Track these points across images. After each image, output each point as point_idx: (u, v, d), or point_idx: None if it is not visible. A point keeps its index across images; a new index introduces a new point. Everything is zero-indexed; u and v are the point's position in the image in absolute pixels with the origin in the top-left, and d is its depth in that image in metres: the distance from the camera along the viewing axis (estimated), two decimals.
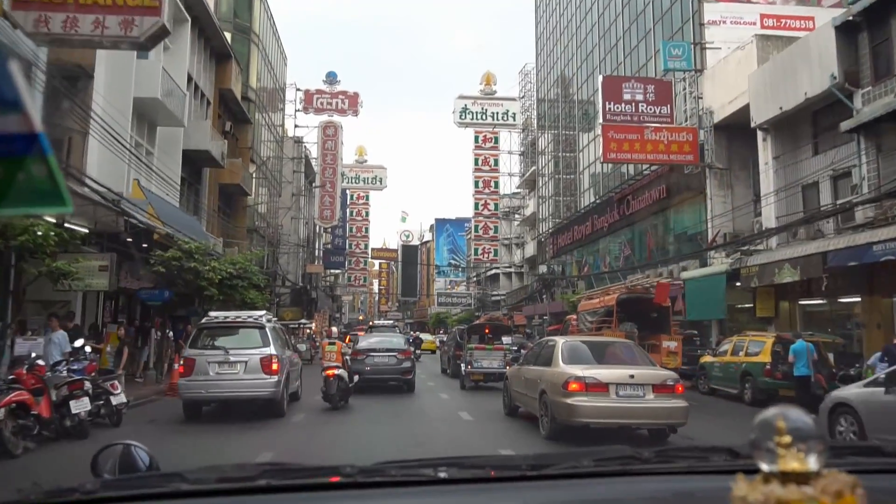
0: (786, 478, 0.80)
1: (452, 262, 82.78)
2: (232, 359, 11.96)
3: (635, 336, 15.50)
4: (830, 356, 15.65)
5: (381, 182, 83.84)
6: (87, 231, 13.90)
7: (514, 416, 12.70)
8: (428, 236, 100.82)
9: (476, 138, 64.99)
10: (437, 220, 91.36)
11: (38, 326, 13.16)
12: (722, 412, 14.57)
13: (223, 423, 11.79)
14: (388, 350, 17.93)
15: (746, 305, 21.86)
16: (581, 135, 43.19)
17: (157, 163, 20.55)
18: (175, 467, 1.67)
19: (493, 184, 64.98)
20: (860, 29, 17.53)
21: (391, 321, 47.52)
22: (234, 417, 12.07)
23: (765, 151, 21.47)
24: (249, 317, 13.13)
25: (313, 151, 55.25)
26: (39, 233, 10.42)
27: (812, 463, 0.81)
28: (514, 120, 62.36)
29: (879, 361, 12.57)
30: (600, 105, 26.76)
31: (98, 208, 13.38)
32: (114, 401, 10.72)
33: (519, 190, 61.91)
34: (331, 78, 59.53)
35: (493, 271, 67.76)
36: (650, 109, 26.19)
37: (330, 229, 63.13)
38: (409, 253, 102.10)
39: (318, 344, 30.56)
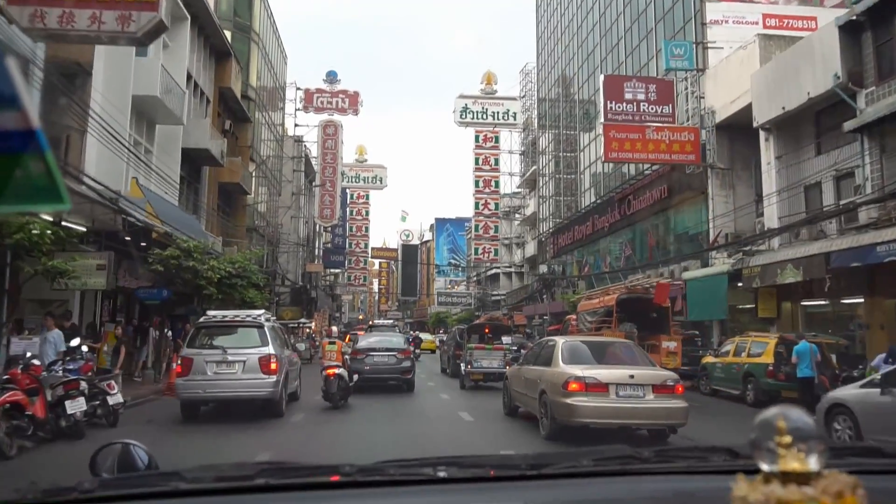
0: (786, 478, 0.80)
1: (452, 261, 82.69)
2: (230, 358, 11.86)
3: (635, 336, 15.47)
4: (833, 357, 15.56)
5: (381, 181, 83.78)
6: (84, 230, 13.78)
7: (514, 416, 12.67)
8: (428, 236, 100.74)
9: (476, 138, 64.91)
10: (437, 219, 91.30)
11: (35, 326, 13.06)
12: (724, 413, 14.48)
13: (221, 424, 11.69)
14: (387, 349, 17.91)
15: (748, 306, 21.76)
16: (582, 134, 43.09)
17: (156, 161, 20.42)
18: (173, 468, 1.65)
19: (493, 183, 64.90)
20: (864, 28, 17.42)
21: (391, 321, 47.47)
22: (233, 418, 11.97)
23: (767, 151, 21.36)
24: (248, 316, 13.02)
25: (313, 150, 55.18)
26: (35, 231, 10.30)
27: (813, 463, 0.81)
28: (515, 119, 62.28)
29: (883, 363, 12.46)
30: (601, 104, 26.65)
31: (95, 206, 13.26)
32: (110, 401, 10.61)
33: (519, 189, 61.81)
34: (331, 77, 59.45)
35: (494, 271, 67.67)
36: (652, 109, 26.07)
37: (330, 228, 63.01)
38: (409, 252, 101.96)
39: (317, 343, 30.48)
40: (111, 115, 14.60)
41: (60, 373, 9.98)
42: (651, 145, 24.86)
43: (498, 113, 62.64)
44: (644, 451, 1.72)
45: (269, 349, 12.09)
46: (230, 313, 13.45)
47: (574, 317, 21.27)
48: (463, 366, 19.53)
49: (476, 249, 66.34)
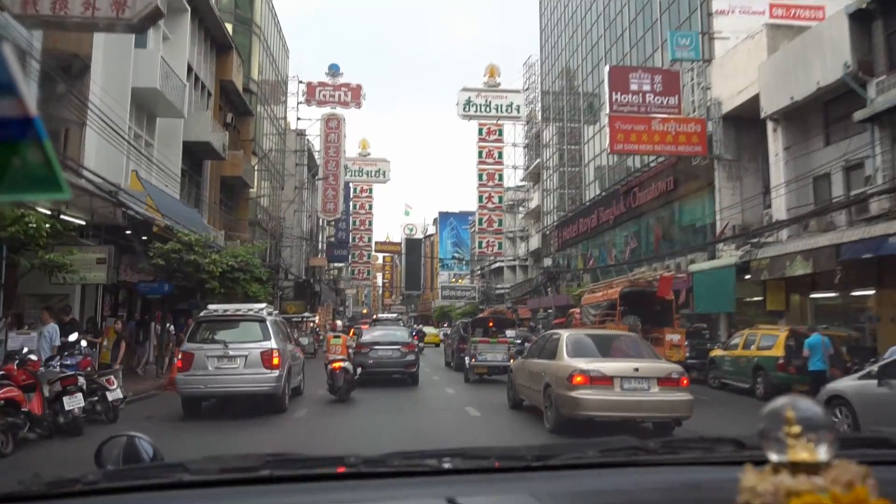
0: (795, 468, 0.80)
1: (456, 255, 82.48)
2: (231, 353, 11.69)
3: (638, 329, 15.41)
4: (843, 350, 15.36)
5: (384, 175, 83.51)
6: (83, 223, 13.62)
7: (519, 409, 12.69)
8: (431, 230, 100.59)
9: (480, 131, 64.49)
10: (440, 213, 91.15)
11: (34, 321, 12.91)
12: (733, 406, 14.30)
13: (223, 419, 11.57)
14: (391, 343, 17.97)
15: (756, 299, 21.54)
16: (586, 127, 42.79)
17: (156, 154, 20.26)
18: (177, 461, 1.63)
19: (497, 176, 64.51)
20: (874, 17, 17.13)
21: (395, 314, 47.38)
22: (235, 413, 11.83)
23: (775, 142, 21.09)
24: (250, 310, 12.84)
25: (316, 144, 54.98)
26: (32, 224, 10.10)
27: (822, 453, 0.81)
28: (519, 112, 61.91)
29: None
30: (607, 96, 26.38)
31: (95, 199, 13.10)
32: (109, 396, 10.44)
33: (523, 183, 61.54)
34: (333, 70, 59.14)
35: (498, 265, 67.47)
36: (657, 100, 25.78)
37: (333, 222, 62.84)
38: (413, 246, 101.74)
39: (321, 338, 30.37)
40: (110, 108, 14.41)
41: (58, 368, 9.81)
42: (657, 137, 24.59)
43: (501, 106, 62.30)
44: (650, 442, 1.70)
45: (272, 343, 11.92)
46: (231, 307, 13.28)
47: (577, 310, 21.23)
48: (467, 359, 19.52)
49: (480, 243, 66.02)
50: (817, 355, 13.58)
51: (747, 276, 20.65)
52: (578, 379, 9.50)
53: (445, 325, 54.13)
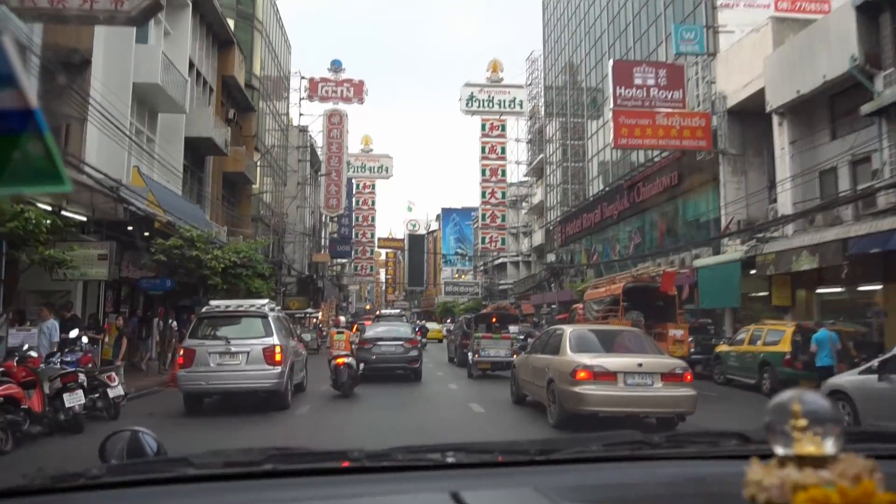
0: (802, 462, 0.79)
1: (459, 251, 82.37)
2: (233, 349, 11.59)
3: (641, 325, 15.41)
4: (850, 345, 15.22)
5: (387, 171, 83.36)
6: (84, 219, 13.54)
7: (522, 404, 12.69)
8: (434, 225, 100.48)
9: (483, 126, 64.33)
10: (443, 209, 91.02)
11: (36, 317, 12.83)
12: (738, 402, 14.20)
13: (225, 416, 11.48)
14: (395, 339, 17.98)
15: (761, 294, 21.41)
16: (589, 122, 42.63)
17: (158, 150, 20.17)
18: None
19: (500, 172, 64.36)
20: (881, 9, 16.95)
21: (398, 310, 47.30)
22: (237, 410, 11.73)
23: (780, 136, 20.93)
24: (251, 306, 12.75)
25: (318, 140, 54.87)
26: (32, 219, 10.00)
27: (829, 447, 0.80)
28: (522, 107, 61.74)
29: None
30: (611, 90, 26.22)
31: (96, 195, 13.01)
32: (111, 393, 10.36)
33: (526, 178, 61.38)
34: (335, 66, 58.99)
35: (501, 260, 67.36)
36: (662, 94, 25.61)
37: (336, 218, 62.78)
38: (416, 242, 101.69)
39: (325, 334, 30.33)
40: (111, 103, 14.31)
41: (58, 365, 9.72)
42: (661, 131, 24.46)
43: (504, 101, 62.12)
44: (654, 436, 1.70)
45: (274, 339, 11.84)
46: (233, 303, 13.20)
47: (581, 306, 21.21)
48: (470, 355, 19.51)
49: (483, 238, 65.95)
50: (825, 351, 13.46)
51: (752, 272, 20.52)
52: (582, 374, 9.49)
53: (448, 320, 54.07)
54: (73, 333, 10.88)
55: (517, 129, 63.77)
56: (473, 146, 70.15)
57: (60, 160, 0.90)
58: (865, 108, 16.66)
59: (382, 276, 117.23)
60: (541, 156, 54.49)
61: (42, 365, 9.51)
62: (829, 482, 0.77)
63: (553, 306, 40.78)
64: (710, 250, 25.17)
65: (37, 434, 8.76)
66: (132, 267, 17.67)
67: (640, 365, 9.68)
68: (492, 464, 1.58)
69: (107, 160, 15.68)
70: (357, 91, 58.25)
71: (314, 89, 56.28)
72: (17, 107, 0.84)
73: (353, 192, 78.28)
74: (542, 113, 55.86)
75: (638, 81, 25.62)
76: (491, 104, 62.20)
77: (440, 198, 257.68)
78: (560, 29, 50.51)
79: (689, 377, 9.86)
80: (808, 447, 0.80)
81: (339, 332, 15.31)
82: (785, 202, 20.37)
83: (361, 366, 15.25)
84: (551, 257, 48.55)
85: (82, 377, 9.55)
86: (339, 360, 13.70)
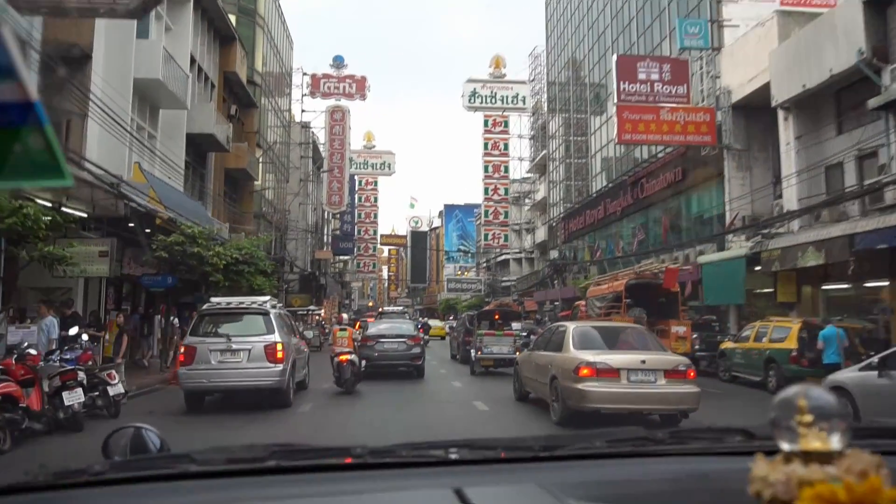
0: (808, 457, 0.79)
1: (462, 247, 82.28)
2: (234, 346, 11.50)
3: (644, 321, 15.33)
4: (857, 342, 15.09)
5: (389, 167, 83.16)
6: (84, 215, 13.44)
7: (525, 401, 12.68)
8: (437, 222, 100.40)
9: (485, 122, 64.14)
10: (446, 205, 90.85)
11: (36, 315, 12.75)
12: (743, 399, 14.08)
13: (226, 414, 11.40)
14: (397, 336, 17.97)
15: (766, 290, 21.28)
16: (592, 118, 42.45)
17: (159, 146, 20.08)
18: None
19: (502, 168, 64.19)
20: (889, 2, 16.77)
21: (401, 307, 47.24)
22: (238, 408, 11.64)
23: (786, 131, 20.76)
24: (253, 303, 12.65)
25: (321, 137, 54.75)
26: (31, 215, 9.89)
27: (835, 442, 0.79)
28: (524, 103, 61.54)
29: None
30: (614, 85, 26.06)
31: (96, 191, 12.91)
32: (111, 391, 10.26)
33: (529, 174, 61.22)
34: (338, 62, 58.79)
35: (504, 257, 67.24)
36: (666, 89, 25.43)
37: (338, 215, 62.64)
38: (419, 239, 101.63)
39: (327, 331, 30.25)
40: (112, 99, 14.21)
41: (58, 363, 9.63)
42: (665, 126, 24.29)
43: (507, 97, 61.92)
44: (658, 432, 1.69)
45: (276, 337, 11.74)
46: (234, 300, 13.09)
47: (583, 303, 21.16)
48: (473, 352, 19.51)
49: (486, 235, 65.80)
50: (832, 348, 13.34)
51: (757, 268, 20.38)
52: (585, 371, 9.49)
53: (451, 317, 54.00)
54: (73, 331, 10.79)
55: (520, 125, 63.66)
56: (476, 142, 69.98)
57: (61, 154, 0.88)
58: (873, 102, 16.48)
59: (385, 273, 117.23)
60: (543, 152, 54.32)
61: (41, 363, 9.42)
62: (836, 478, 0.76)
63: (556, 303, 40.67)
64: (714, 246, 25.04)
65: (36, 433, 8.67)
66: (133, 264, 17.58)
67: (644, 362, 9.69)
68: (495, 460, 1.57)
69: (108, 156, 15.59)
70: (359, 87, 58.10)
71: (316, 85, 56.14)
72: (17, 99, 0.82)
73: (356, 188, 78.19)
74: (545, 109, 55.66)
75: (642, 76, 25.46)
76: (493, 100, 62.01)
77: (443, 194, 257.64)
78: (563, 24, 50.31)
79: (692, 374, 9.88)
80: (814, 443, 0.79)
81: (341, 330, 15.29)
82: (790, 198, 20.21)
83: (364, 363, 15.25)
84: (554, 254, 48.43)
85: (82, 375, 9.45)
86: (342, 358, 13.71)
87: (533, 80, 60.71)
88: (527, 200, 61.72)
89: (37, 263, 11.61)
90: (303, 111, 52.53)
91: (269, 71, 37.52)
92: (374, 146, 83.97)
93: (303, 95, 53.46)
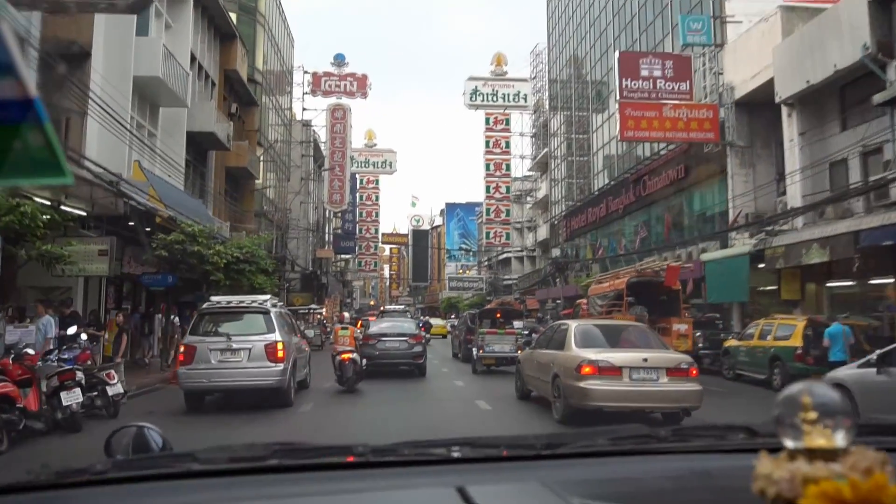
0: (812, 455, 0.79)
1: (463, 246, 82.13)
2: (235, 346, 11.40)
3: (645, 319, 15.34)
4: (862, 339, 14.98)
5: (390, 166, 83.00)
6: (83, 213, 13.34)
7: (527, 399, 12.66)
8: (439, 220, 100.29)
9: (487, 120, 63.98)
10: (447, 204, 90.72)
11: (35, 314, 12.67)
12: (748, 397, 13.98)
13: (227, 414, 11.31)
14: (399, 335, 17.92)
15: (770, 288, 21.17)
16: (594, 115, 42.31)
17: (159, 144, 19.98)
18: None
19: (504, 166, 64.03)
20: None
21: (402, 306, 47.15)
22: (239, 408, 11.54)
23: (790, 128, 20.63)
24: (253, 301, 12.54)
25: (322, 135, 54.64)
26: (28, 213, 9.79)
27: (839, 440, 0.79)
28: (526, 101, 61.37)
29: None
30: (616, 82, 25.94)
31: (96, 190, 12.81)
32: (110, 391, 10.16)
33: (531, 172, 61.11)
34: (339, 60, 58.66)
35: (505, 255, 67.13)
36: (668, 86, 25.29)
37: (340, 214, 62.56)
38: (420, 237, 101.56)
39: (328, 330, 30.19)
40: (112, 97, 14.11)
41: (56, 362, 9.53)
42: (668, 123, 24.17)
43: (508, 95, 61.75)
44: (661, 430, 1.70)
45: (276, 336, 11.65)
46: (235, 299, 12.99)
47: (585, 301, 21.10)
48: (475, 351, 19.47)
49: (487, 233, 65.66)
50: (838, 345, 13.25)
51: (761, 265, 20.28)
52: (587, 369, 9.50)
53: (453, 316, 53.91)
54: (72, 330, 10.70)
55: (521, 123, 63.48)
56: (477, 140, 69.69)
57: (61, 151, 0.88)
58: (878, 98, 16.35)
59: (386, 272, 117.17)
60: (545, 150, 54.20)
61: (39, 363, 9.32)
62: (841, 475, 0.76)
63: (558, 301, 40.56)
64: (717, 244, 24.91)
65: (34, 433, 8.58)
66: (133, 262, 17.49)
67: (646, 360, 9.68)
68: (497, 458, 1.57)
69: (107, 154, 15.49)
70: (360, 85, 57.98)
71: (317, 84, 56.02)
72: (16, 97, 0.81)
73: (357, 187, 78.09)
74: (547, 106, 55.52)
75: (644, 73, 25.33)
76: (495, 98, 61.84)
77: (444, 193, 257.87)
78: (564, 21, 50.15)
79: (694, 372, 9.85)
80: (818, 440, 0.79)
81: (343, 328, 15.27)
82: (794, 194, 20.09)
83: (365, 362, 15.21)
84: (556, 252, 48.31)
85: (80, 375, 9.35)
86: (344, 356, 13.68)
87: (534, 78, 60.56)
88: (528, 198, 61.59)
89: (35, 262, 11.52)
90: (304, 109, 52.51)
91: (269, 69, 37.43)
92: (375, 144, 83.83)
93: (304, 94, 53.45)
